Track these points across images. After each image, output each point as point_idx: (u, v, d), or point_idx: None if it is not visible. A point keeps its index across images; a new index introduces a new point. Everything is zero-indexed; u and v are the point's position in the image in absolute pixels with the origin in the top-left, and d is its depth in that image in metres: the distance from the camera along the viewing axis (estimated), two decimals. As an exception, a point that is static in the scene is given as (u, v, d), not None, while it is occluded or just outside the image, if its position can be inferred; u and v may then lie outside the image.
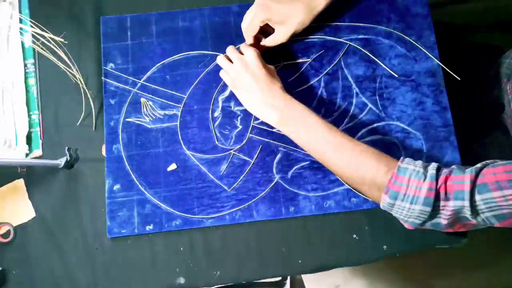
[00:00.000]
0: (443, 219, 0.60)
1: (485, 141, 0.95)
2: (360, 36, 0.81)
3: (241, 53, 0.74)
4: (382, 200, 0.63)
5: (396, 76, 0.79)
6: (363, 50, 0.80)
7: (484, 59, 0.99)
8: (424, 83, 0.79)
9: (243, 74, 0.71)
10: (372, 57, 0.80)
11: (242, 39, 0.80)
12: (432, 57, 0.79)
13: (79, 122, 0.79)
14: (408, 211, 0.60)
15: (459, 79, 0.76)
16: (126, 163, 0.76)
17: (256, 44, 0.77)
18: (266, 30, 0.77)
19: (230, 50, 0.75)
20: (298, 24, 0.74)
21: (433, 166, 0.61)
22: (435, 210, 0.59)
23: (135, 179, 0.76)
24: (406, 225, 0.65)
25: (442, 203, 0.59)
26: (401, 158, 0.64)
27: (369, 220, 0.75)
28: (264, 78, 0.71)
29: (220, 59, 0.76)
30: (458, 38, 1.15)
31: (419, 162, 0.62)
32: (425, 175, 0.60)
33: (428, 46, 0.80)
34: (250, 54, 0.72)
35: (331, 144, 0.66)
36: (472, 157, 0.70)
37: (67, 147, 0.76)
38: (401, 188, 0.60)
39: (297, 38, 0.80)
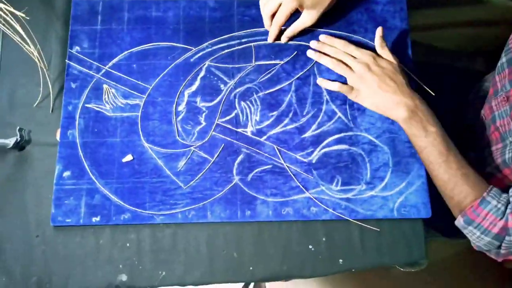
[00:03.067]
0: (503, 249, 0.64)
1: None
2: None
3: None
4: (457, 221, 0.67)
5: (369, 87, 0.77)
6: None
7: (461, 83, 0.99)
8: (395, 97, 0.77)
9: (384, 78, 0.71)
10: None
11: (214, 35, 0.79)
12: (406, 70, 0.78)
13: (36, 104, 0.75)
14: (478, 238, 0.65)
15: (433, 94, 0.75)
16: (80, 150, 0.73)
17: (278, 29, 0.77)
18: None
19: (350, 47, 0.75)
20: (327, 6, 0.75)
21: None
22: (501, 243, 0.64)
23: (87, 167, 0.72)
24: (473, 246, 0.69)
25: (507, 238, 0.63)
26: (489, 188, 0.65)
27: (327, 232, 0.72)
28: (403, 82, 0.71)
29: (340, 54, 0.75)
30: (440, 62, 1.15)
31: (505, 197, 0.64)
32: (503, 213, 0.62)
33: (402, 61, 0.78)
34: (391, 58, 0.74)
35: (442, 157, 0.67)
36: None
37: (18, 127, 0.72)
38: (477, 218, 0.64)
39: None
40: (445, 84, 0.96)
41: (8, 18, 0.63)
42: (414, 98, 0.70)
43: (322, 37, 0.77)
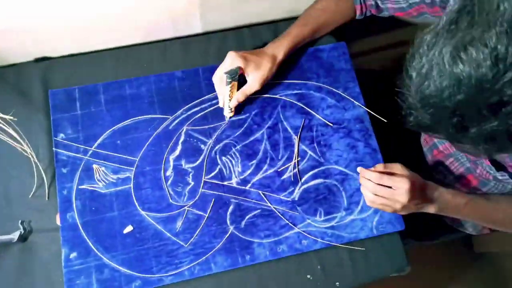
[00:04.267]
0: None
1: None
2: (294, 92, 0.90)
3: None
4: None
5: (330, 124, 0.88)
6: (298, 103, 0.89)
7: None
8: (354, 129, 0.88)
9: (406, 204, 0.72)
10: (307, 109, 0.89)
11: (186, 101, 0.87)
12: (359, 104, 0.89)
13: (31, 194, 0.79)
14: None
15: (385, 120, 0.86)
16: (82, 230, 0.78)
17: (231, 93, 0.83)
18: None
19: (383, 179, 0.72)
20: (268, 70, 0.83)
21: None
22: None
23: (91, 245, 0.77)
24: None
25: None
26: None
27: (320, 259, 0.80)
28: (423, 195, 0.74)
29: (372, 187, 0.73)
30: (384, 83, 1.29)
31: None
32: None
33: (354, 96, 0.90)
34: (404, 186, 0.71)
35: (485, 215, 0.80)
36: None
37: (20, 220, 0.76)
38: None
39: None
40: (389, 106, 1.08)
41: (0, 125, 0.68)
42: (434, 203, 0.76)
43: (358, 169, 0.76)
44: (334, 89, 0.91)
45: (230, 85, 0.80)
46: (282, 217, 0.81)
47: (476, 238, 1.57)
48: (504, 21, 0.39)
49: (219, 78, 0.82)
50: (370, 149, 0.87)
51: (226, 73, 0.79)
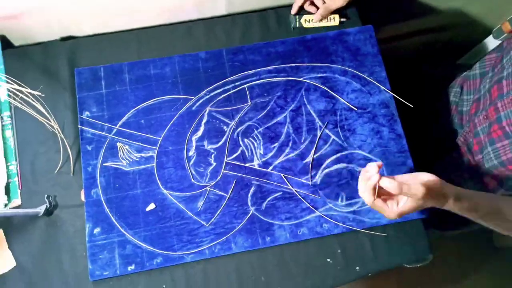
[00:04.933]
0: None
1: (444, 161, 1.03)
2: (319, 75, 0.89)
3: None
4: None
5: (355, 109, 0.87)
6: (323, 87, 0.88)
7: (434, 88, 1.09)
8: (379, 114, 0.87)
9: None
10: (331, 92, 0.88)
11: (210, 82, 0.87)
12: (385, 89, 0.88)
13: (57, 170, 0.81)
14: None
15: (412, 106, 0.85)
16: (105, 206, 0.79)
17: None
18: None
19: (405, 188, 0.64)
20: None
21: None
22: None
23: (115, 221, 0.78)
24: None
25: None
26: None
27: (340, 244, 0.80)
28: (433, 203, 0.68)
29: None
30: (410, 70, 1.26)
31: None
32: None
33: (380, 81, 0.89)
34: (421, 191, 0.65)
35: (491, 212, 0.72)
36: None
37: (46, 195, 0.78)
38: None
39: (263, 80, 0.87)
40: (419, 91, 1.06)
41: (29, 100, 0.69)
42: (445, 198, 0.68)
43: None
44: (359, 73, 0.89)
45: None
46: (303, 200, 0.81)
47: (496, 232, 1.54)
48: None
49: None
50: (395, 134, 0.86)
51: None
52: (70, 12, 0.85)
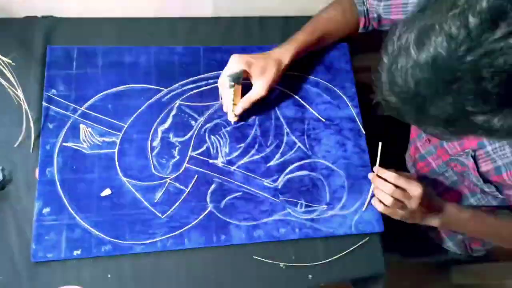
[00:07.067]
0: None
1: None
2: (292, 83, 0.90)
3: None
4: None
5: (323, 120, 0.88)
6: (294, 95, 0.89)
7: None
8: (346, 128, 0.89)
9: (415, 211, 0.75)
10: (302, 102, 0.89)
11: (183, 77, 0.87)
12: (351, 105, 0.90)
13: (17, 144, 0.78)
14: None
15: (364, 133, 0.88)
16: (59, 187, 0.76)
17: (235, 97, 0.81)
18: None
19: (400, 180, 0.74)
20: (274, 75, 0.81)
21: None
22: None
23: (66, 203, 0.75)
24: None
25: None
26: None
27: (296, 250, 0.79)
28: (429, 206, 0.76)
29: (383, 196, 0.76)
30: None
31: None
32: None
33: (349, 96, 0.91)
34: (419, 190, 0.73)
35: (491, 231, 0.81)
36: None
37: (0, 167, 0.74)
38: None
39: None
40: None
41: (-2, 66, 0.67)
42: (439, 214, 0.78)
43: (375, 168, 0.77)
44: (331, 86, 0.91)
45: (233, 89, 0.79)
46: (262, 200, 0.80)
47: (456, 268, 1.56)
48: (459, 4, 0.41)
49: (223, 81, 0.81)
50: (359, 148, 0.87)
51: (228, 76, 0.78)
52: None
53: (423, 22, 0.44)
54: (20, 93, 0.74)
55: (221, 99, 0.85)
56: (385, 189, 0.75)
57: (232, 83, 0.79)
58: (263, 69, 0.81)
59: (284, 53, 0.83)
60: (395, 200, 0.74)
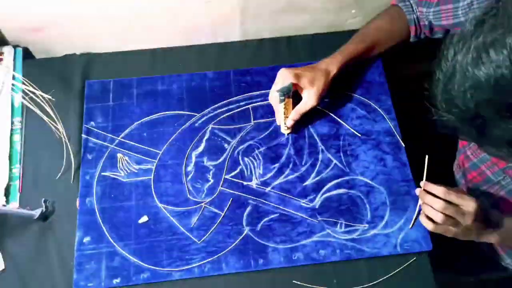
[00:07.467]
0: None
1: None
2: (325, 99, 0.88)
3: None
4: None
5: (359, 135, 0.85)
6: (327, 111, 0.87)
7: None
8: (384, 142, 0.85)
9: (470, 228, 0.70)
10: (336, 117, 0.87)
11: (215, 101, 0.88)
12: (387, 118, 0.86)
13: (58, 176, 0.81)
14: None
15: (403, 145, 0.83)
16: (98, 216, 0.78)
17: (287, 111, 0.81)
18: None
19: (451, 195, 0.68)
20: (323, 85, 0.81)
21: None
22: None
23: (105, 231, 0.77)
24: None
25: None
26: None
27: (337, 272, 0.76)
28: (486, 221, 0.71)
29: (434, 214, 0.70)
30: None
31: None
32: None
33: (385, 109, 0.87)
34: (473, 205, 0.68)
35: None
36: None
37: (43, 199, 0.78)
38: None
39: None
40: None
41: (39, 101, 0.71)
42: (496, 230, 0.72)
43: (422, 183, 0.72)
44: (365, 100, 0.88)
45: (283, 103, 0.79)
46: (299, 221, 0.78)
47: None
48: None
49: (274, 97, 0.82)
50: (399, 163, 0.83)
51: (278, 91, 0.78)
52: (91, 28, 0.90)
53: (482, 38, 0.42)
54: (60, 127, 0.77)
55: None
56: (435, 206, 0.68)
57: (283, 97, 0.78)
58: (311, 80, 0.80)
59: (331, 63, 0.83)
60: (447, 217, 0.69)
